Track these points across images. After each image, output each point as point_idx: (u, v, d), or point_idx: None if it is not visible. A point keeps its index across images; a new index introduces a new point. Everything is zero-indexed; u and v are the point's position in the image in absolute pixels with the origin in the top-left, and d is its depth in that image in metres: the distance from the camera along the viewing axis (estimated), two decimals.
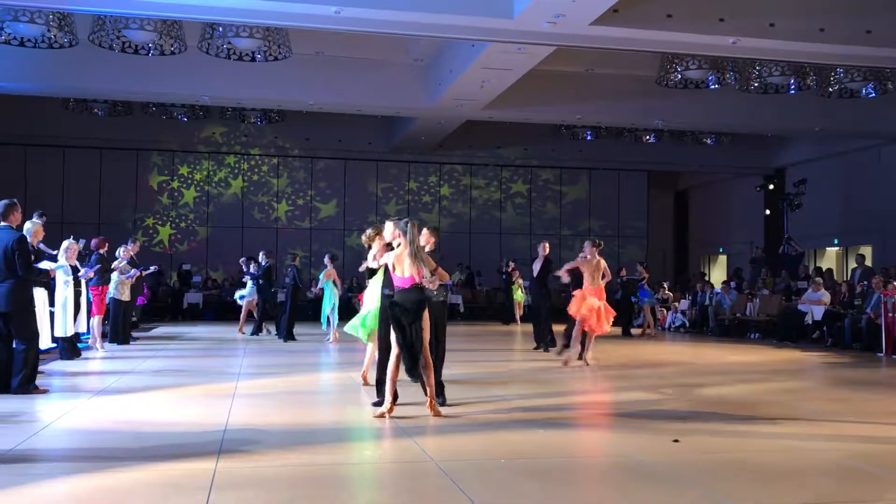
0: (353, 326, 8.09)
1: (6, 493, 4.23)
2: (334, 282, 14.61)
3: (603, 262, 11.01)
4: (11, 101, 19.13)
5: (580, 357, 10.97)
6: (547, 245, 13.33)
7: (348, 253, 24.14)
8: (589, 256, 10.95)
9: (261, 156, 24.94)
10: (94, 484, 4.47)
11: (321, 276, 14.80)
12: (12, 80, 16.85)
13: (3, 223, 7.77)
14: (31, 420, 6.49)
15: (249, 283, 16.27)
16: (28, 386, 7.69)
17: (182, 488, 4.40)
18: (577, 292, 10.96)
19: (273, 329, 15.92)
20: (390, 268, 6.61)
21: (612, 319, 11.10)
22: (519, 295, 20.81)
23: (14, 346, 7.74)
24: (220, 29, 14.20)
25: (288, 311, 14.84)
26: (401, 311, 6.38)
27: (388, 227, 6.76)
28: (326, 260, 14.85)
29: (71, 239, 10.86)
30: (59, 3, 12.10)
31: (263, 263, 15.94)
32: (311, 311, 19.82)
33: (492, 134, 24.13)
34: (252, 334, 15.68)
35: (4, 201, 7.85)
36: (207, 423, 6.29)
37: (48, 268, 8.91)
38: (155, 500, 4.21)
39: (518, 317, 20.86)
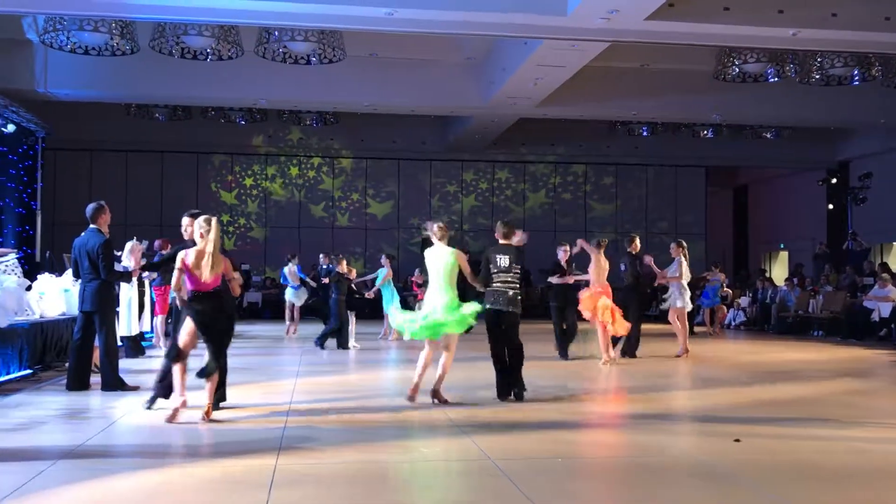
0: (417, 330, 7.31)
1: (76, 487, 4.38)
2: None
3: (604, 261, 10.76)
4: (77, 107, 19.71)
5: (624, 354, 11.14)
6: (637, 240, 11.97)
7: (402, 252, 24.25)
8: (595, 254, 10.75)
9: (316, 157, 25.22)
10: (158, 479, 4.59)
11: (380, 277, 14.62)
12: (77, 87, 17.39)
13: (92, 226, 8.06)
14: (100, 416, 6.69)
15: (290, 287, 16.11)
16: (115, 379, 7.93)
17: (244, 484, 4.49)
18: (586, 291, 10.72)
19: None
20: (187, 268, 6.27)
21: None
22: None
23: (97, 343, 8.03)
24: (276, 33, 14.42)
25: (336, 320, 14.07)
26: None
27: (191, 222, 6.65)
28: (384, 260, 14.85)
29: (134, 240, 11.05)
30: (122, 11, 12.43)
31: (326, 266, 15.67)
32: (367, 309, 19.92)
33: (546, 131, 23.99)
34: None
35: (93, 205, 8.14)
36: (267, 421, 6.40)
37: (129, 269, 9.23)
38: (218, 496, 4.30)
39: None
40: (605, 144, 24.79)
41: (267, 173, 25.05)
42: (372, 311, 18.54)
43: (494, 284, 7.41)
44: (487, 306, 7.32)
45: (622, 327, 10.60)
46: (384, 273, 14.49)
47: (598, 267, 10.64)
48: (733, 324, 19.38)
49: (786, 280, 19.44)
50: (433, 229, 7.23)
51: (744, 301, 19.72)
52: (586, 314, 10.64)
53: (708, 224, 26.93)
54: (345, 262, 13.47)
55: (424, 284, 10.21)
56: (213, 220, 6.35)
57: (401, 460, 5.23)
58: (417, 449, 5.50)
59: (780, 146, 24.16)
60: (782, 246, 27.47)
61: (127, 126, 22.05)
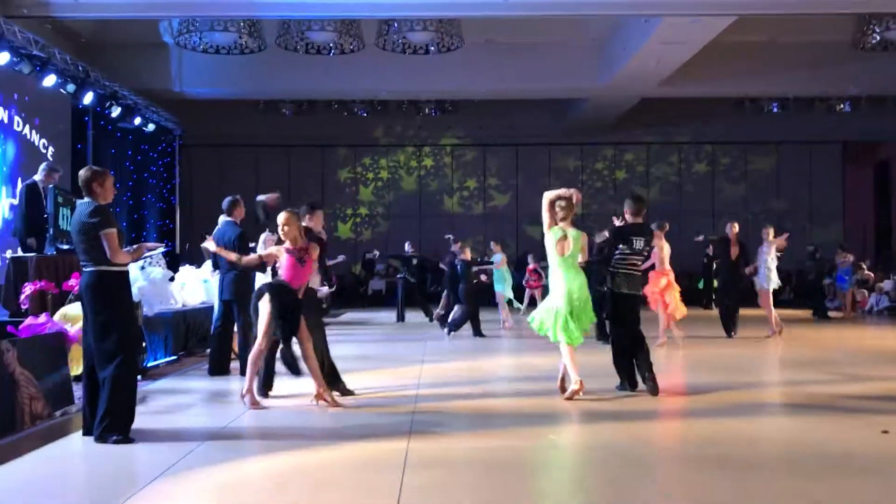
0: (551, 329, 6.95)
1: (214, 468, 4.61)
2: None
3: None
4: (208, 105, 20.63)
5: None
6: (736, 226, 12.36)
7: (521, 238, 24.18)
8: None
9: (434, 146, 25.46)
10: (293, 461, 4.77)
11: (496, 263, 14.57)
12: (209, 85, 18.23)
13: (228, 218, 8.46)
14: (240, 401, 7.01)
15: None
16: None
17: (378, 466, 4.60)
18: (655, 274, 10.80)
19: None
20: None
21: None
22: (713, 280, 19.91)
23: (235, 330, 8.41)
24: (395, 25, 14.64)
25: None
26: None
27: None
28: (494, 247, 14.91)
29: (267, 232, 11.52)
30: (250, 10, 12.93)
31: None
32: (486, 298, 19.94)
33: (668, 111, 23.29)
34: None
35: (229, 198, 8.54)
36: (396, 406, 6.52)
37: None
38: (351, 477, 4.43)
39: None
40: (732, 123, 23.83)
41: (388, 163, 25.50)
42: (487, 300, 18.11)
43: (626, 267, 7.11)
44: (622, 290, 7.05)
45: (680, 311, 10.94)
46: (499, 258, 14.52)
47: (661, 251, 10.80)
48: (875, 308, 18.29)
49: None
50: (560, 203, 6.78)
51: (887, 285, 18.58)
52: (652, 298, 10.84)
53: (846, 204, 25.47)
54: (468, 250, 13.53)
55: (544, 271, 10.11)
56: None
57: (530, 447, 5.22)
58: (545, 436, 5.48)
59: None
60: None
61: (256, 121, 22.90)
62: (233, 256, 7.11)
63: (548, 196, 6.84)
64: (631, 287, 7.07)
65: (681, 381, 7.87)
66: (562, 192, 6.85)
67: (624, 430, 5.59)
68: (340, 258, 15.62)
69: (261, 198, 7.88)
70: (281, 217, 6.50)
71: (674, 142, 25.26)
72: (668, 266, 10.93)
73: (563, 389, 6.88)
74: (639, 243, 7.08)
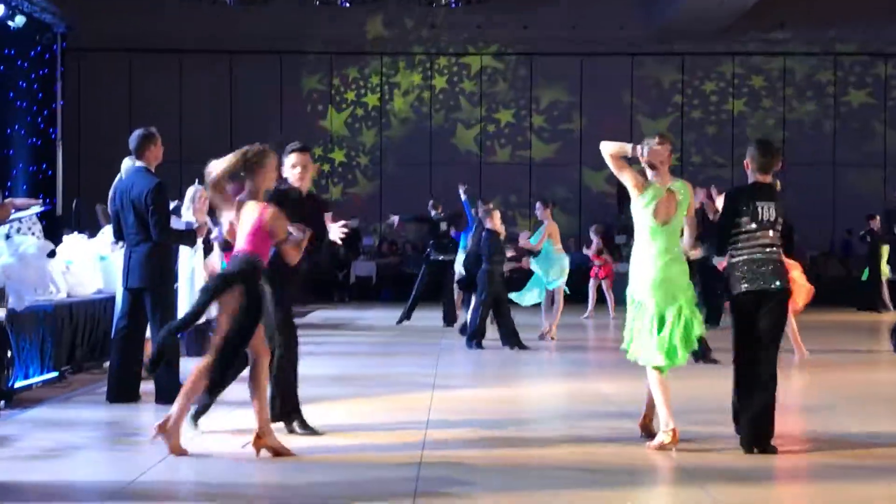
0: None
1: None
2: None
3: None
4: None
5: None
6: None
7: (585, 195, 24.12)
8: None
9: (455, 55, 25.36)
10: None
11: (537, 237, 14.15)
12: None
13: (138, 163, 8.45)
14: (156, 441, 7.05)
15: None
16: (175, 386, 8.34)
17: None
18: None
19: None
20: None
21: None
22: (885, 268, 19.76)
23: (148, 333, 8.47)
24: None
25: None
26: None
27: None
28: (541, 210, 14.31)
29: (197, 185, 11.47)
30: None
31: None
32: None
33: (799, 11, 23.18)
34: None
35: (139, 131, 8.50)
36: (395, 454, 6.55)
37: (193, 226, 9.55)
38: None
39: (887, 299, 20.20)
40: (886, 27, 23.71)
41: (382, 80, 25.43)
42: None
43: (748, 250, 6.99)
44: (743, 287, 6.94)
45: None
46: (544, 229, 14.05)
47: None
48: None
49: None
50: (644, 150, 6.78)
51: None
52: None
53: None
54: (498, 216, 13.26)
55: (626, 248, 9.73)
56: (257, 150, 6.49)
57: None
58: (621, 502, 5.50)
59: None
60: None
61: (182, 16, 22.86)
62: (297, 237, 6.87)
63: (607, 150, 6.83)
64: (756, 280, 6.89)
65: (814, 421, 7.87)
66: (626, 147, 6.84)
67: (741, 495, 5.61)
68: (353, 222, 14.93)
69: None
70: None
71: (813, 52, 25.09)
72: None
73: (646, 430, 6.91)
74: (768, 211, 6.94)
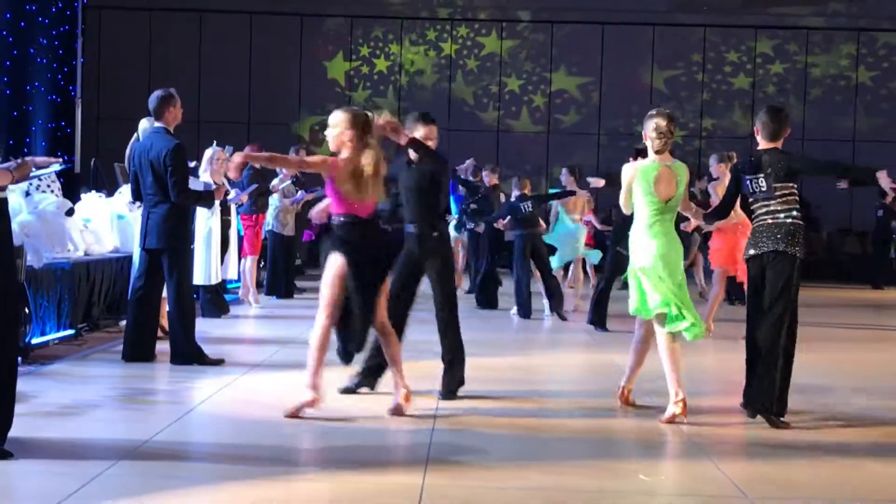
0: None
1: (143, 501, 4.71)
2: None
3: None
4: None
5: None
6: None
7: (603, 165, 24.08)
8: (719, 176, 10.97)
9: (476, 21, 25.26)
10: (251, 497, 4.85)
11: (557, 207, 14.04)
12: None
13: (157, 123, 8.47)
14: (171, 401, 7.14)
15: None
16: (191, 348, 8.43)
17: None
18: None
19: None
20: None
21: None
22: None
23: (165, 294, 8.54)
24: None
25: None
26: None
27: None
28: (567, 176, 14.16)
29: (215, 146, 11.47)
30: None
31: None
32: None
33: None
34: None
35: (159, 92, 8.51)
36: (408, 420, 6.62)
37: (212, 188, 9.54)
38: None
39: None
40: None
41: (402, 45, 25.35)
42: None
43: (760, 217, 6.94)
44: (750, 252, 6.96)
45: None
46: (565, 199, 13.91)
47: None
48: None
49: None
50: (650, 127, 6.85)
51: None
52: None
53: None
54: (528, 185, 13.42)
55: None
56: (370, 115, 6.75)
57: (609, 489, 5.26)
58: (633, 475, 5.53)
59: None
60: None
61: None
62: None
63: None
64: (765, 243, 6.83)
65: (829, 399, 7.88)
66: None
67: (753, 472, 5.63)
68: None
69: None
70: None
71: (842, 26, 24.89)
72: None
73: (626, 402, 7.14)
74: (758, 184, 6.90)
